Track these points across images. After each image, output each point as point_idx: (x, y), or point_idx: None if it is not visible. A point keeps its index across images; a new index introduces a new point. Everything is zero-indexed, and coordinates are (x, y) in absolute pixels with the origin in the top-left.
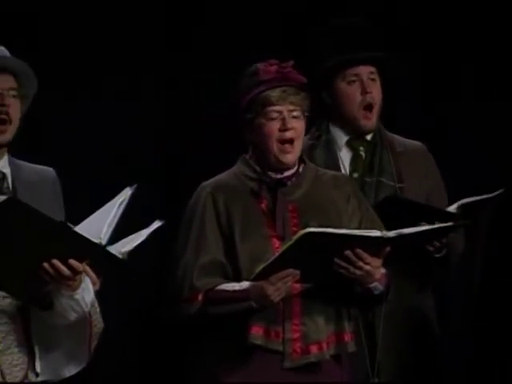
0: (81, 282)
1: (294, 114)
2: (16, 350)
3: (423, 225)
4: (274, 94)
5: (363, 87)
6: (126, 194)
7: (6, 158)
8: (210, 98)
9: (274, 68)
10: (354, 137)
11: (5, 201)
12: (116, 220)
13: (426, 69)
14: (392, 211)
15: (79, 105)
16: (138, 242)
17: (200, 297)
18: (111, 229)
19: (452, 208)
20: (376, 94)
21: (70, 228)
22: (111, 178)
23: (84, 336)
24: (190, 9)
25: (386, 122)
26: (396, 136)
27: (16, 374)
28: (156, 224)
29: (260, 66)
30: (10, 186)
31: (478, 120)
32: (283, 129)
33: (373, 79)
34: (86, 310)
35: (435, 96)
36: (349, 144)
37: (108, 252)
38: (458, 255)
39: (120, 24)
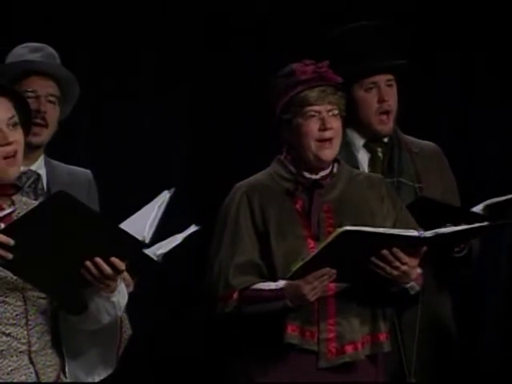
0: (118, 284)
1: (333, 113)
2: (50, 350)
3: (448, 226)
4: (313, 93)
5: (380, 95)
6: (165, 196)
7: (41, 159)
8: (242, 98)
9: (310, 68)
10: (371, 139)
11: (55, 193)
12: (157, 222)
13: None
14: (418, 212)
15: (113, 107)
16: (173, 245)
17: (235, 295)
18: (153, 229)
19: (477, 208)
20: (393, 101)
21: (117, 225)
22: (145, 181)
23: (114, 341)
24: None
25: (401, 123)
26: (410, 137)
27: (49, 374)
28: (192, 228)
29: (296, 66)
30: (45, 187)
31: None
32: (323, 128)
33: (390, 85)
34: (119, 314)
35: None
36: (366, 146)
37: (146, 253)
38: (476, 255)
39: (156, 27)
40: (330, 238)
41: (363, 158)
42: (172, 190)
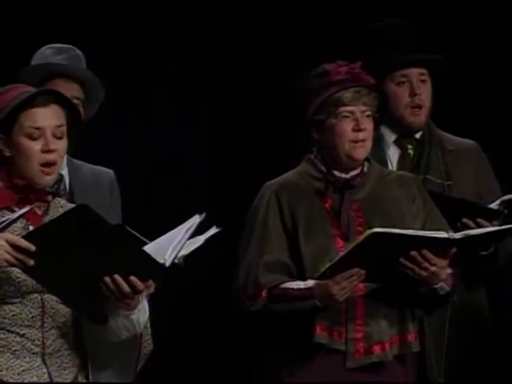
0: (138, 302)
1: (366, 114)
2: (67, 352)
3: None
4: (347, 94)
5: (412, 89)
6: (195, 220)
7: (64, 158)
8: (270, 96)
9: (344, 69)
10: (403, 135)
11: (78, 206)
12: (181, 244)
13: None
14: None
15: (136, 110)
16: (195, 247)
17: (264, 293)
18: (176, 252)
19: (494, 205)
20: (425, 95)
21: (138, 245)
22: (167, 183)
23: (132, 356)
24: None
25: (438, 120)
26: (448, 135)
27: (65, 376)
28: (213, 230)
29: (329, 66)
30: (68, 187)
31: None
32: (356, 129)
33: (423, 80)
34: (139, 330)
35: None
36: (397, 142)
37: (169, 273)
38: (508, 251)
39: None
40: (358, 240)
41: (393, 154)
42: (203, 214)
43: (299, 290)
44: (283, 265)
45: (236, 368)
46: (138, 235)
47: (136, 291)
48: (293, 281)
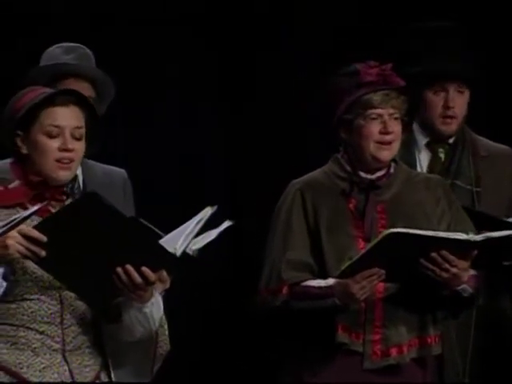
0: (151, 295)
1: (394, 116)
2: (87, 350)
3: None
4: (377, 97)
5: (447, 101)
6: (206, 213)
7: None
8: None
9: (375, 70)
10: (435, 140)
11: (86, 193)
12: (192, 236)
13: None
14: None
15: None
16: (208, 240)
17: (285, 290)
18: (186, 242)
19: None
20: (460, 107)
21: (148, 234)
22: (179, 180)
23: (148, 356)
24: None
25: (475, 126)
26: (484, 139)
27: (86, 374)
28: (226, 224)
29: (360, 67)
30: (81, 186)
31: None
32: (384, 131)
33: (460, 91)
34: (154, 327)
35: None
36: (429, 146)
37: (182, 262)
38: None
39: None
40: (376, 239)
41: (424, 157)
42: (215, 207)
43: (320, 287)
44: (306, 264)
45: (255, 366)
46: (153, 227)
47: (148, 282)
48: (314, 279)
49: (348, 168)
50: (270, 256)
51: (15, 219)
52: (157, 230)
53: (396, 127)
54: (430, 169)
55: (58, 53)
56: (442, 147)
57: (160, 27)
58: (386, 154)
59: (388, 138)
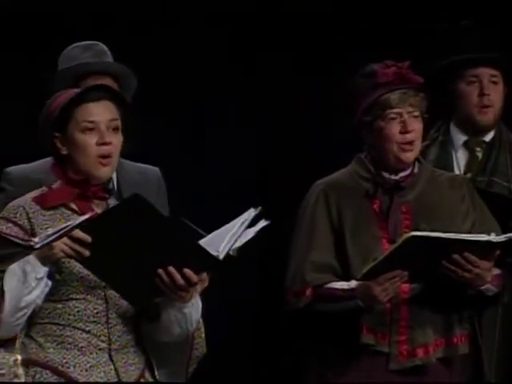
0: (192, 296)
1: (414, 114)
2: (132, 349)
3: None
4: (394, 96)
5: (481, 88)
6: (250, 214)
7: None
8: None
9: (392, 70)
10: (473, 136)
11: (131, 196)
12: (236, 237)
13: None
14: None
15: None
16: (247, 239)
17: (308, 292)
18: (230, 245)
19: None
20: (495, 96)
21: (191, 237)
22: (213, 178)
23: (183, 358)
24: None
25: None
26: None
27: (131, 372)
28: (262, 223)
29: (377, 67)
30: (116, 186)
31: None
32: (404, 131)
33: (494, 82)
34: (191, 329)
35: None
36: (466, 144)
37: (224, 265)
38: None
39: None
40: (397, 243)
41: (461, 157)
42: (258, 208)
43: (343, 290)
44: (329, 265)
45: (281, 370)
46: (195, 227)
47: (190, 283)
48: (337, 281)
49: (371, 168)
50: (294, 257)
51: (66, 227)
52: (199, 230)
53: (416, 125)
54: (468, 168)
55: (76, 53)
56: (479, 145)
57: (189, 25)
58: (409, 156)
59: (409, 136)
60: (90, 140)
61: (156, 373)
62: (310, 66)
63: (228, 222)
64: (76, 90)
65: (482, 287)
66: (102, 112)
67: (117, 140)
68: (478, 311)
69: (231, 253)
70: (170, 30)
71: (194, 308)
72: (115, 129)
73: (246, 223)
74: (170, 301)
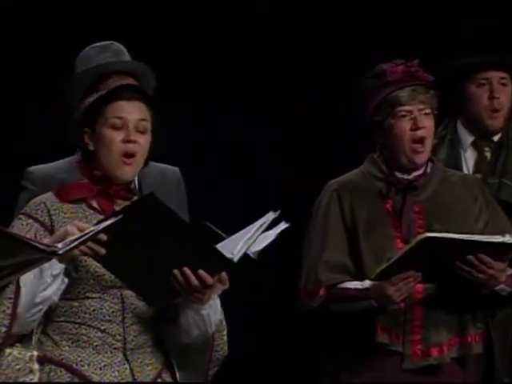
0: (209, 298)
1: (424, 112)
2: (149, 349)
3: None
4: (404, 94)
5: (491, 91)
6: (269, 218)
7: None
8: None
9: (400, 68)
10: (480, 137)
11: (145, 196)
12: (252, 241)
13: None
14: None
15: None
16: (268, 242)
17: (322, 292)
18: (245, 248)
19: None
20: (504, 99)
21: (206, 238)
22: (233, 177)
23: (203, 360)
24: None
25: None
26: None
27: (147, 372)
28: (282, 225)
29: (386, 66)
30: (137, 185)
31: None
32: (414, 128)
33: (503, 84)
34: (210, 330)
35: None
36: (474, 144)
37: (239, 267)
38: None
39: None
40: (411, 244)
41: (470, 157)
42: (277, 212)
43: (356, 290)
44: (343, 265)
45: (296, 370)
46: (217, 230)
47: (205, 285)
48: (351, 281)
49: (384, 168)
50: (307, 258)
51: (89, 232)
52: (219, 231)
53: (427, 122)
54: (477, 168)
55: (94, 53)
56: (488, 145)
57: (213, 27)
58: (421, 157)
59: (420, 133)
60: (117, 136)
61: (177, 374)
62: (326, 67)
63: (246, 224)
64: (109, 88)
65: (496, 287)
66: (131, 111)
67: (143, 141)
68: (491, 311)
69: (252, 256)
70: (182, 30)
71: (212, 310)
72: (143, 129)
73: (264, 226)
74: (187, 303)
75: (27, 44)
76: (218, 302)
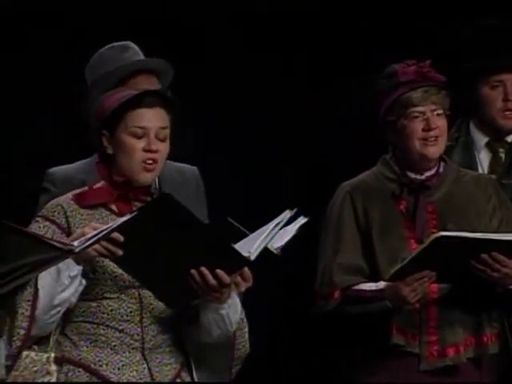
0: (228, 297)
1: (437, 112)
2: (167, 349)
3: None
4: (416, 94)
5: (506, 93)
6: (285, 216)
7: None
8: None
9: (412, 68)
10: (494, 138)
11: (161, 196)
12: (269, 239)
13: None
14: None
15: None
16: (288, 237)
17: (337, 294)
18: (262, 246)
19: None
20: None
21: (222, 238)
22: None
23: (226, 358)
24: None
25: None
26: None
27: (166, 372)
28: (301, 220)
29: (398, 67)
30: (157, 185)
31: None
32: (427, 128)
33: None
34: (231, 329)
35: None
36: (488, 145)
37: (262, 264)
38: None
39: None
40: (425, 243)
41: (484, 158)
42: (294, 210)
43: (371, 291)
44: (357, 267)
45: (313, 367)
46: (238, 225)
47: (222, 284)
48: (365, 282)
49: (397, 169)
50: (322, 260)
51: (105, 229)
52: (243, 229)
53: (440, 122)
54: (491, 169)
55: (115, 53)
56: (502, 146)
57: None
58: (433, 151)
59: (432, 133)
60: (138, 145)
61: (194, 373)
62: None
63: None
64: (130, 93)
65: (511, 286)
66: (153, 119)
67: (163, 148)
68: (507, 310)
69: (275, 252)
70: (196, 31)
71: (232, 309)
72: (163, 137)
73: (281, 225)
74: (206, 303)
75: (27, 44)
76: (237, 300)
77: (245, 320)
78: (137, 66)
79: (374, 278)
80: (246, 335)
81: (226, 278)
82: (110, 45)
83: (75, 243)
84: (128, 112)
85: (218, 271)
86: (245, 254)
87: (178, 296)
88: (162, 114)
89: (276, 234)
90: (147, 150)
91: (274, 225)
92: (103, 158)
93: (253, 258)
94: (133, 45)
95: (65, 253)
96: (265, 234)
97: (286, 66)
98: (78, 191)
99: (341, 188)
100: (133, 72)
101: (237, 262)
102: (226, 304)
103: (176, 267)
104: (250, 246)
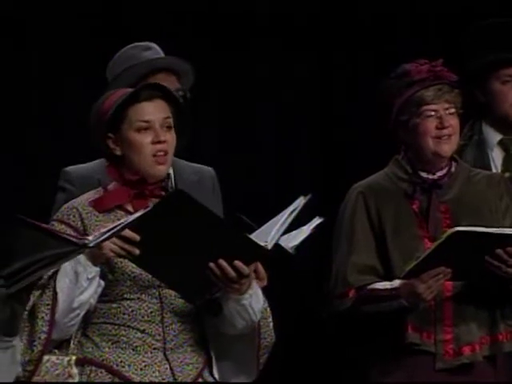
0: (249, 287)
1: (450, 111)
2: (189, 349)
3: None
4: (429, 93)
5: None
6: (300, 203)
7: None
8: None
9: (425, 67)
10: (507, 136)
11: (174, 192)
12: (284, 227)
13: None
14: None
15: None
16: (303, 237)
17: (351, 294)
18: (279, 234)
19: None
20: None
21: (238, 229)
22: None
23: (252, 348)
24: None
25: None
26: None
27: (188, 372)
28: (316, 220)
29: (409, 66)
30: (174, 185)
31: None
32: (440, 127)
33: None
34: (255, 318)
35: None
36: (501, 143)
37: (272, 256)
38: None
39: None
40: (441, 238)
41: (497, 156)
42: (308, 196)
43: (386, 290)
44: (371, 266)
45: (327, 367)
46: (250, 222)
47: (241, 275)
48: (380, 281)
49: (408, 169)
50: (335, 260)
51: (119, 224)
52: (252, 223)
53: (453, 121)
54: (505, 167)
55: (138, 51)
56: None
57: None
58: (447, 149)
59: (445, 131)
60: (145, 139)
61: (215, 371)
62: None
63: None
64: (128, 90)
65: None
66: (155, 111)
67: (171, 137)
68: None
69: (290, 251)
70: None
71: (254, 299)
72: (168, 127)
73: (296, 212)
74: (227, 295)
75: (27, 44)
76: (259, 290)
77: (268, 309)
78: (156, 63)
79: (388, 278)
80: (271, 324)
81: (245, 269)
82: (133, 44)
83: (90, 237)
84: (129, 109)
85: (237, 262)
86: (262, 243)
87: (198, 291)
88: (162, 105)
89: (290, 221)
90: (156, 142)
91: (288, 213)
92: (112, 160)
93: (270, 246)
94: (155, 45)
95: (79, 247)
96: (280, 223)
97: (286, 65)
98: (93, 195)
99: (353, 189)
100: (152, 70)
101: (254, 252)
102: (247, 294)
103: (194, 262)
104: (266, 236)
